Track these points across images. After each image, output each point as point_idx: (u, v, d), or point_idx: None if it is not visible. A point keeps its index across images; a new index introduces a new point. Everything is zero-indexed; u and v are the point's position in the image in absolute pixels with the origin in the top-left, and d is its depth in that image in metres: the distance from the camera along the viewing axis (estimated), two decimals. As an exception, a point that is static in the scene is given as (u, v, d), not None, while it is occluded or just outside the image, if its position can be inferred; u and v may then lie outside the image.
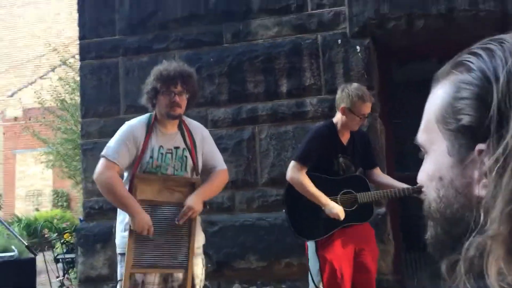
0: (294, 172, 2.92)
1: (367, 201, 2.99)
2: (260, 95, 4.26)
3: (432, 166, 0.61)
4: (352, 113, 2.94)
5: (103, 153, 2.53)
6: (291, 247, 3.95)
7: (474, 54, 0.57)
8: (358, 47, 4.08)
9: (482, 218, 0.53)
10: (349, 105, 2.93)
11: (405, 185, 3.01)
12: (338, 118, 3.04)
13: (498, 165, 0.51)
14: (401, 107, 4.73)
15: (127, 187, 2.53)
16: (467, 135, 0.55)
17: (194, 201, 2.50)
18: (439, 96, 0.60)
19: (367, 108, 2.97)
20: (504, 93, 0.52)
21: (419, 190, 2.57)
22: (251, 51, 4.30)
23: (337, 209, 2.88)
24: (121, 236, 2.61)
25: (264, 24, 4.31)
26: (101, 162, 2.51)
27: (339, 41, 4.12)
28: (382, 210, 3.92)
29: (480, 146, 0.54)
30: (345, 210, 2.93)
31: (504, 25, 3.93)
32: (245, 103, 4.28)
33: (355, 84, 3.08)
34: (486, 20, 3.89)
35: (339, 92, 3.06)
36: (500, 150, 0.51)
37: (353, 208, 2.97)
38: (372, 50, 4.13)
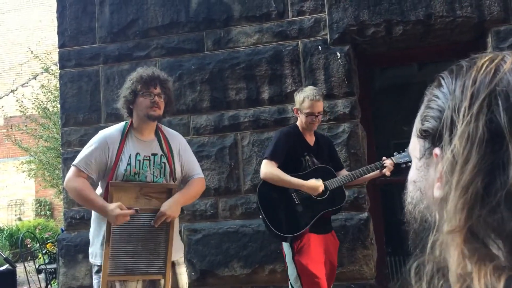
0: (267, 168, 3.03)
1: (337, 186, 3.11)
2: (242, 102, 4.26)
3: (411, 171, 0.67)
4: (302, 112, 3.10)
5: (74, 161, 2.60)
6: (275, 253, 3.94)
7: (449, 70, 0.64)
8: (338, 54, 4.11)
9: (438, 217, 0.58)
10: (298, 105, 3.12)
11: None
12: (298, 120, 3.22)
13: (449, 166, 0.56)
14: (381, 112, 4.77)
15: (103, 196, 2.53)
16: (429, 140, 0.62)
17: (169, 206, 2.51)
18: (421, 107, 0.67)
19: (315, 107, 3.08)
20: (457, 102, 0.58)
21: (382, 166, 2.62)
22: (233, 58, 4.30)
23: (315, 182, 3.00)
24: (97, 247, 2.59)
25: (245, 31, 4.32)
26: (71, 170, 2.58)
27: (320, 47, 4.15)
28: (365, 214, 3.94)
29: (436, 150, 0.60)
30: (318, 199, 3.05)
31: (481, 31, 4.00)
32: (227, 110, 4.28)
33: (308, 87, 3.24)
34: (463, 26, 3.95)
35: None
36: (449, 153, 0.56)
37: (325, 196, 3.07)
38: (353, 56, 4.16)
